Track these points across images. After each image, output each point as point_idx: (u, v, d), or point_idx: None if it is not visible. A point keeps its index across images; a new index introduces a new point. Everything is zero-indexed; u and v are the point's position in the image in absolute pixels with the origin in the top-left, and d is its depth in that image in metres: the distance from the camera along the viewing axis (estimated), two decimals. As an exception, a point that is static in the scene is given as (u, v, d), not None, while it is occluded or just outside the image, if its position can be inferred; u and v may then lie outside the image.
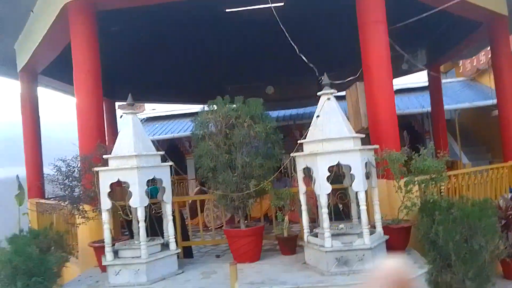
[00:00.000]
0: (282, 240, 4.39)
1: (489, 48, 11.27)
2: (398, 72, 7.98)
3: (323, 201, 3.56)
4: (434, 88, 10.13)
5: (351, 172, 3.53)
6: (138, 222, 3.83)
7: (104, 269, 4.25)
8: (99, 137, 4.67)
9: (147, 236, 3.96)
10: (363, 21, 4.49)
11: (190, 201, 6.43)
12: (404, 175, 3.80)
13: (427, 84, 13.45)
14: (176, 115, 17.61)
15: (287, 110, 14.78)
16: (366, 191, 3.58)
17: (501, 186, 6.12)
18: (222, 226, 7.61)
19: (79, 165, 4.20)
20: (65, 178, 4.11)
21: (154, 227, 4.48)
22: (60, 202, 4.58)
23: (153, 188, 4.59)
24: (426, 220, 3.50)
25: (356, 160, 3.52)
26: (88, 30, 4.82)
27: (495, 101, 12.32)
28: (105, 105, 10.65)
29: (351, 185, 4.14)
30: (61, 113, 11.98)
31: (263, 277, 3.65)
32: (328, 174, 3.55)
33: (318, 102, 12.99)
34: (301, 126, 15.51)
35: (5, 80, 8.97)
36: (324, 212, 3.57)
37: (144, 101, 15.18)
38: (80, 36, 4.82)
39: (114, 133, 10.06)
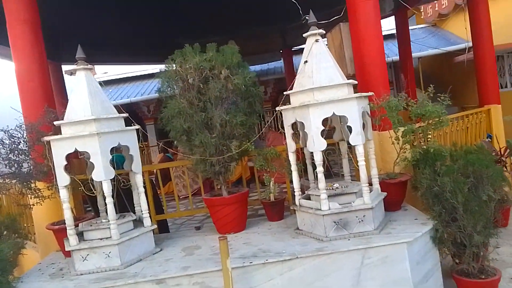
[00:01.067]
0: (269, 204, 3.99)
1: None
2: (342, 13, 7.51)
3: (318, 158, 3.15)
4: (401, 35, 9.80)
5: (348, 123, 3.11)
6: (105, 198, 3.27)
7: (68, 254, 3.69)
8: (46, 101, 3.92)
9: (116, 213, 3.42)
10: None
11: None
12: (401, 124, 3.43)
13: (389, 32, 13.22)
14: (130, 78, 16.51)
15: (251, 67, 14.10)
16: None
17: (480, 131, 6.03)
18: (198, 192, 7.17)
19: (25, 136, 3.49)
20: (9, 152, 3.40)
21: (123, 202, 3.93)
22: (7, 180, 3.89)
23: (117, 156, 3.98)
24: (428, 172, 3.18)
25: (353, 109, 3.09)
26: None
27: (458, 46, 12.41)
28: (51, 69, 9.57)
29: (342, 139, 3.76)
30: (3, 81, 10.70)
31: (254, 249, 3.26)
32: (323, 128, 3.11)
33: (281, 57, 12.42)
34: (266, 82, 14.99)
35: None
36: (319, 172, 3.17)
37: (93, 63, 13.86)
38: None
39: (64, 102, 9.06)
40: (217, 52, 3.57)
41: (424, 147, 3.58)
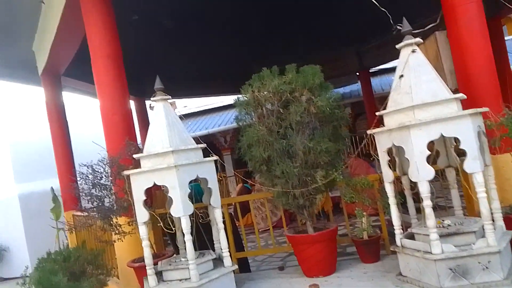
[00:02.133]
0: (362, 244, 3.48)
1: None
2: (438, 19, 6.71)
3: (424, 189, 2.62)
4: (496, 45, 8.70)
5: (461, 146, 2.56)
6: (183, 235, 3.06)
7: (148, 291, 3.54)
8: (127, 134, 3.92)
9: (195, 250, 3.19)
10: None
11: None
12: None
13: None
14: (208, 110, 17.06)
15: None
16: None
17: None
18: (277, 225, 6.81)
19: (107, 170, 3.46)
20: (91, 187, 3.39)
21: (202, 238, 3.70)
22: (91, 215, 3.91)
23: (196, 186, 3.79)
24: None
25: (467, 129, 2.54)
26: (103, 9, 4.08)
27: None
28: (135, 105, 10.15)
29: (449, 166, 3.17)
30: (90, 119, 11.59)
31: (349, 297, 2.78)
32: (428, 153, 2.60)
33: (358, 79, 11.77)
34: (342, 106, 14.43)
35: (31, 89, 8.55)
36: (426, 206, 2.63)
37: (173, 97, 14.54)
38: (94, 16, 4.09)
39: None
40: (297, 73, 3.27)
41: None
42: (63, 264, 3.42)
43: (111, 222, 3.44)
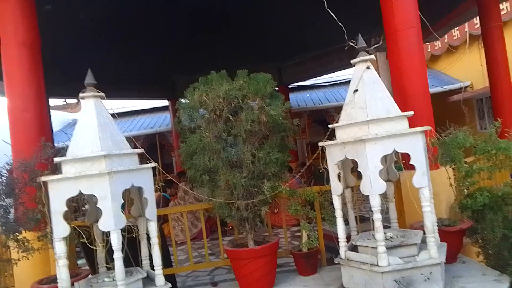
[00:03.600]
0: (302, 256, 3.40)
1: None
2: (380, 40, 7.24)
3: (375, 203, 2.64)
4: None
5: (411, 161, 2.64)
6: (110, 252, 2.64)
7: (59, 319, 2.99)
8: (42, 135, 3.33)
9: None
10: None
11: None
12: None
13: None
14: (121, 114, 15.99)
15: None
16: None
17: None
18: (197, 236, 6.52)
19: (14, 176, 2.86)
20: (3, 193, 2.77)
21: (126, 254, 3.27)
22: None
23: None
24: (501, 219, 2.71)
25: (418, 145, 2.64)
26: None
27: (453, 86, 12.50)
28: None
29: (389, 180, 3.28)
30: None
31: (297, 314, 2.65)
32: (382, 167, 2.63)
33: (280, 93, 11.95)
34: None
35: None
36: (376, 219, 2.65)
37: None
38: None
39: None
40: (249, 80, 3.11)
41: (483, 190, 3.13)
42: None
43: (17, 238, 2.83)
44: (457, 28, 11.15)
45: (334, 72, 11.57)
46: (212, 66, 10.27)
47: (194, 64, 9.61)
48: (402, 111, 3.25)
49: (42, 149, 3.01)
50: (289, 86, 12.67)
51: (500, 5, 9.43)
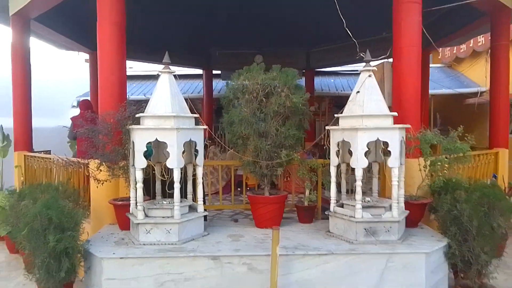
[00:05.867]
0: (302, 209, 4.57)
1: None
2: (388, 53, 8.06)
3: (359, 174, 3.73)
4: (422, 72, 10.43)
5: (388, 148, 3.71)
6: (172, 183, 3.84)
7: (124, 227, 4.27)
8: (122, 94, 4.52)
9: (166, 197, 4.03)
10: (399, 0, 4.56)
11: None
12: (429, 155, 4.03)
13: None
14: (153, 76, 17.10)
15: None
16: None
17: (487, 171, 6.62)
18: (217, 192, 7.72)
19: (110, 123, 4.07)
20: (101, 134, 3.98)
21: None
22: (74, 158, 4.43)
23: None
24: (449, 198, 3.77)
25: (395, 137, 3.69)
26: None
27: (470, 89, 13.12)
28: (90, 58, 10.20)
29: (375, 161, 4.35)
30: (51, 69, 11.37)
31: (293, 243, 3.82)
32: (367, 149, 3.71)
33: (303, 76, 12.77)
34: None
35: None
36: (358, 185, 3.75)
37: (129, 58, 14.33)
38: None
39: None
40: (280, 73, 4.18)
41: (442, 177, 4.17)
42: (55, 193, 3.97)
43: (109, 165, 4.07)
44: (483, 35, 11.73)
45: (357, 63, 12.29)
46: (246, 43, 11.27)
47: (229, 39, 10.60)
48: (397, 111, 4.31)
49: (126, 105, 4.18)
50: (316, 70, 13.52)
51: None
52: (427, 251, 3.55)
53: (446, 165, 4.02)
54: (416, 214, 4.20)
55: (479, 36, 12.07)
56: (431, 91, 12.88)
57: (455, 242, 3.70)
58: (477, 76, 13.64)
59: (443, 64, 15.93)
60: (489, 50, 9.57)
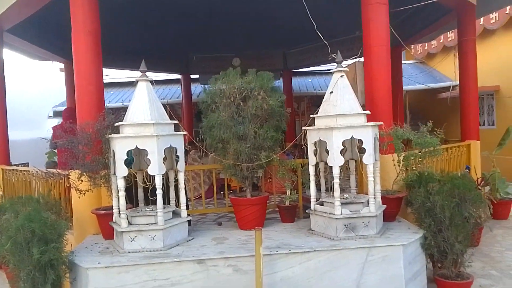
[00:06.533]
0: (284, 208, 4.67)
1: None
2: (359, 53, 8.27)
3: (336, 171, 3.86)
4: (395, 70, 10.70)
5: (363, 145, 3.85)
6: (154, 190, 3.88)
7: (108, 236, 4.29)
8: (100, 103, 4.53)
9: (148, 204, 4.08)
10: (366, 1, 4.73)
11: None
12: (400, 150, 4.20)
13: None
14: (129, 83, 16.96)
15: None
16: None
17: (460, 163, 6.88)
18: (200, 197, 7.76)
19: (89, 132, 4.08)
20: (81, 144, 3.98)
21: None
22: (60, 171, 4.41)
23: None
24: (423, 191, 3.94)
25: (368, 135, 3.84)
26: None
27: (443, 84, 13.54)
28: (65, 68, 10.08)
29: (351, 158, 4.50)
30: (26, 80, 11.16)
31: (276, 242, 3.91)
32: (342, 147, 3.84)
33: (280, 77, 12.90)
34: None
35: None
36: (336, 183, 3.88)
37: (105, 66, 14.10)
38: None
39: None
40: (256, 76, 4.27)
41: (416, 170, 4.35)
42: (37, 206, 3.96)
43: (90, 175, 4.08)
44: (453, 30, 12.14)
45: (334, 63, 12.46)
46: (223, 46, 11.29)
47: (207, 43, 10.63)
48: (370, 109, 4.46)
49: (104, 114, 4.20)
50: (293, 71, 13.70)
51: (491, 14, 10.47)
52: (404, 243, 3.70)
53: (419, 159, 4.19)
54: (393, 208, 4.36)
55: (448, 32, 12.50)
56: (405, 87, 13.25)
57: (430, 233, 3.87)
58: (448, 71, 14.09)
59: (415, 60, 16.38)
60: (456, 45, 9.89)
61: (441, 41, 13.64)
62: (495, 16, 10.48)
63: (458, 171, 6.45)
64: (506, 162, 8.89)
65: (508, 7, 9.37)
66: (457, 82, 13.25)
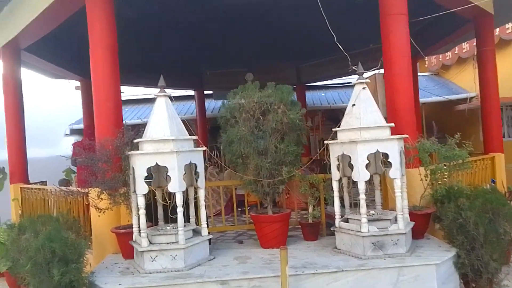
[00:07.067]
0: (307, 226, 4.52)
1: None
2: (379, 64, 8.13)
3: (361, 187, 3.72)
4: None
5: (389, 159, 3.71)
6: (175, 207, 3.78)
7: (128, 255, 4.19)
8: (119, 119, 4.49)
9: (168, 222, 3.97)
10: (386, 12, 4.65)
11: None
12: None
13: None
14: (144, 100, 17.13)
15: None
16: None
17: (485, 176, 6.65)
18: (218, 214, 7.63)
19: (109, 149, 4.02)
20: (100, 161, 3.93)
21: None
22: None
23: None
24: (453, 206, 3.76)
25: (394, 148, 3.70)
26: (106, 3, 4.58)
27: (459, 96, 13.31)
28: (81, 85, 10.17)
29: (376, 173, 4.35)
30: (41, 98, 11.32)
31: (301, 261, 3.76)
32: (368, 161, 3.71)
33: (295, 92, 12.76)
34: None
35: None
36: (361, 199, 3.73)
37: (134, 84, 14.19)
38: (98, 10, 4.56)
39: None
40: (276, 90, 4.19)
41: (443, 185, 4.17)
42: (57, 225, 3.89)
43: (110, 193, 4.00)
44: (468, 41, 11.98)
45: (347, 76, 12.40)
46: (236, 61, 11.26)
47: (219, 58, 10.66)
48: (392, 121, 4.33)
49: (124, 132, 4.15)
50: (306, 85, 13.64)
51: (506, 25, 10.31)
52: (437, 262, 3.52)
53: (446, 173, 4.03)
54: (421, 225, 4.18)
55: (463, 43, 12.34)
56: (421, 100, 13.07)
57: (463, 251, 3.68)
58: (464, 82, 13.88)
59: (430, 72, 16.20)
60: (474, 56, 9.72)
61: (456, 52, 13.47)
62: (511, 26, 10.30)
63: (484, 184, 6.23)
64: (531, 175, 8.59)
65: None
66: (474, 93, 13.11)
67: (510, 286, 4.39)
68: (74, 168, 7.69)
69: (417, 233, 4.20)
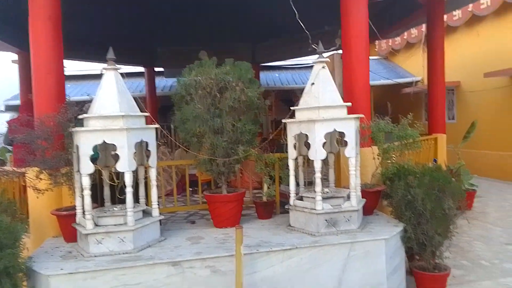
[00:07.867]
0: (261, 205, 4.49)
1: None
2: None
3: (317, 165, 3.72)
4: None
5: (345, 138, 3.74)
6: (124, 187, 3.57)
7: (70, 239, 3.94)
8: (61, 95, 4.13)
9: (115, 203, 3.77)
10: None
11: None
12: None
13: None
14: (90, 76, 16.19)
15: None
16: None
17: (429, 156, 7.00)
18: (171, 193, 7.43)
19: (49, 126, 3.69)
20: (39, 138, 3.57)
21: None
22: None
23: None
24: (403, 184, 3.89)
25: (351, 127, 3.73)
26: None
27: (406, 79, 13.87)
28: (19, 58, 9.33)
29: (331, 152, 4.39)
30: None
31: (255, 240, 3.73)
32: (325, 140, 3.70)
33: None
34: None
35: None
36: (317, 177, 3.74)
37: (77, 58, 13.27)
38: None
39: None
40: (234, 67, 4.05)
41: (394, 164, 4.31)
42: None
43: (52, 173, 3.69)
44: (416, 27, 12.42)
45: (303, 56, 12.45)
46: (189, 39, 10.86)
47: (173, 36, 10.25)
48: (349, 101, 4.36)
49: (67, 107, 3.83)
50: (261, 65, 13.53)
51: (453, 12, 10.77)
52: (386, 237, 3.64)
53: (397, 152, 4.15)
54: (372, 202, 4.30)
55: (412, 29, 12.79)
56: (370, 82, 13.45)
57: (411, 226, 3.83)
58: (411, 67, 14.47)
59: (379, 56, 16.70)
60: (422, 41, 10.06)
61: (405, 37, 13.94)
62: (458, 13, 10.78)
63: (427, 163, 6.56)
64: (469, 155, 9.20)
65: (470, 5, 9.63)
66: (420, 78, 13.70)
67: (450, 257, 4.69)
68: (10, 148, 7.10)
69: (367, 210, 4.32)
